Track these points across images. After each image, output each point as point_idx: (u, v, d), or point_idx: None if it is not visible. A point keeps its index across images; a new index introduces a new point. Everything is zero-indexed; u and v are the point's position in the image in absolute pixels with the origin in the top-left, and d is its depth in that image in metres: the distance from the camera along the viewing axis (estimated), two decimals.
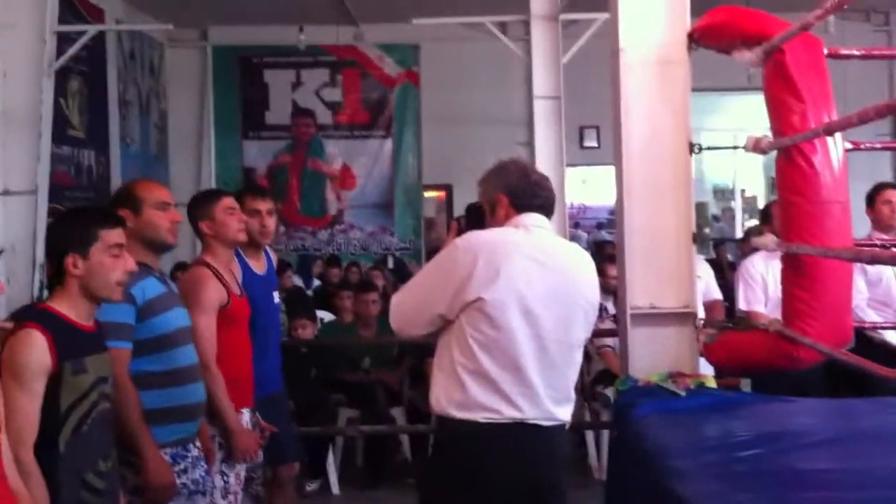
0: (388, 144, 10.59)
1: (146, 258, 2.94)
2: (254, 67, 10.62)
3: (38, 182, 5.35)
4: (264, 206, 3.84)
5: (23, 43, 5.38)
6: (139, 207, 2.98)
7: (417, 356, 5.87)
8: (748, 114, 9.31)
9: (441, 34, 9.18)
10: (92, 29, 7.23)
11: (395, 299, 2.75)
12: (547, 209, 2.74)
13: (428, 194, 10.86)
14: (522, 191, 2.71)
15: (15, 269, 5.18)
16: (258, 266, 3.87)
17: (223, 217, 3.49)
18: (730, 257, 9.02)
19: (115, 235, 2.54)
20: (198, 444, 3.09)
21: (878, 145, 3.87)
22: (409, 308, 2.71)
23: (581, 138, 9.98)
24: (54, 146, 6.20)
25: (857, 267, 4.09)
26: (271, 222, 3.86)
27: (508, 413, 2.54)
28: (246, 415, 3.49)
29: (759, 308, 4.47)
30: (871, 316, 4.44)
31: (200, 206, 3.54)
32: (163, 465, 2.86)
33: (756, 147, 3.29)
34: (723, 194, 12.34)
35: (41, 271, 5.06)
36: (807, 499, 2.20)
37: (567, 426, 2.68)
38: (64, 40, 6.29)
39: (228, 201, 3.55)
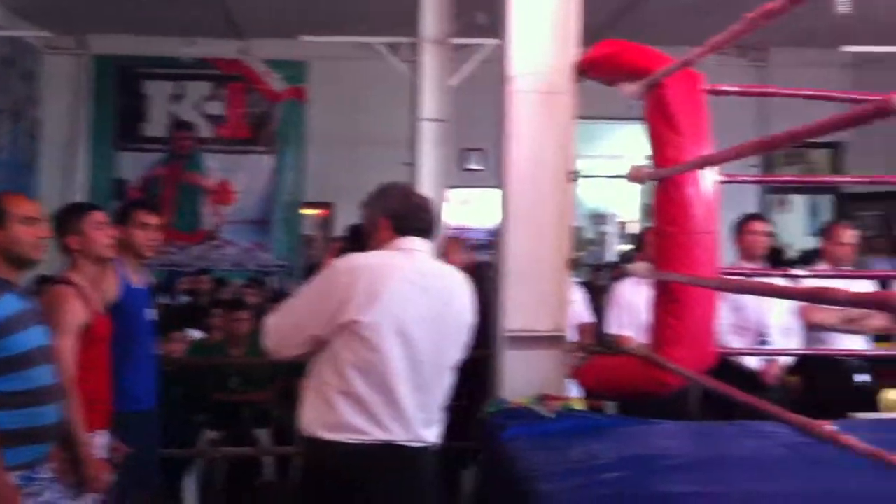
0: (270, 160, 10.44)
1: (7, 273, 2.81)
2: (133, 77, 10.32)
3: None
4: (154, 220, 3.86)
5: None
6: (4, 221, 2.84)
7: (289, 376, 5.77)
8: (626, 142, 9.61)
9: (331, 52, 9.15)
10: None
11: (271, 319, 2.72)
12: (428, 232, 2.77)
13: (308, 212, 10.75)
14: (404, 215, 2.74)
15: None
16: (139, 280, 3.80)
17: (92, 232, 3.37)
18: (604, 282, 9.23)
19: None
20: (51, 465, 2.94)
21: (748, 178, 4.01)
22: (284, 328, 2.69)
23: (465, 160, 10.08)
24: None
25: (722, 293, 4.25)
26: (159, 237, 3.87)
27: (378, 435, 2.55)
28: (100, 437, 3.34)
29: (629, 333, 4.59)
30: (731, 341, 4.60)
31: (68, 219, 3.40)
32: (9, 489, 2.71)
33: (636, 177, 3.38)
34: (599, 219, 12.64)
35: None
36: None
37: (435, 447, 2.69)
38: None
39: (98, 216, 3.44)
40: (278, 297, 7.10)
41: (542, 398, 3.19)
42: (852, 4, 6.60)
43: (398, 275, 2.62)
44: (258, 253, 10.43)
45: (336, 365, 2.56)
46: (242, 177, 10.42)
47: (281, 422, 5.78)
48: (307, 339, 2.62)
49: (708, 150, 3.13)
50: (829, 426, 2.00)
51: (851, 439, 1.90)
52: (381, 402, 2.55)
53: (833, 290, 1.93)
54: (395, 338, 2.55)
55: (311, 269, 6.31)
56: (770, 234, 4.92)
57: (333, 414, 2.55)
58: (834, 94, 3.27)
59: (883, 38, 8.02)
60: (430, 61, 6.87)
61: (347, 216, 9.81)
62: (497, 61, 3.61)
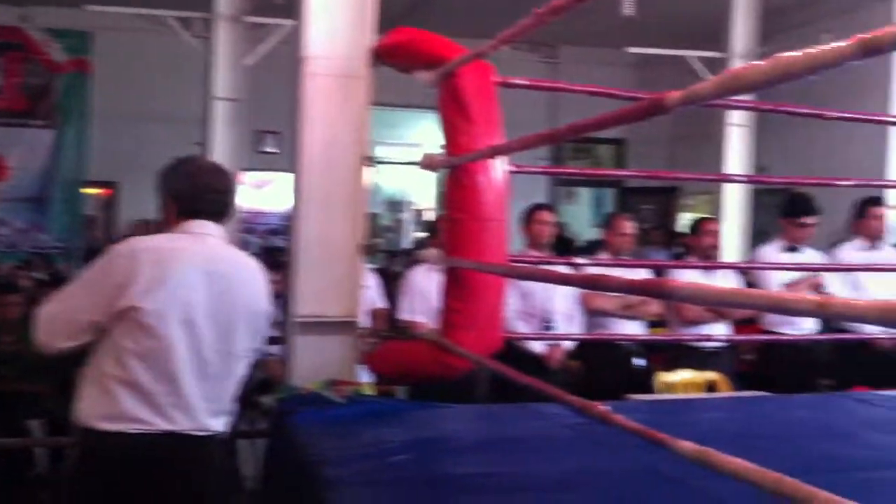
0: (49, 135, 9.82)
1: None
2: None
3: None
4: None
5: None
6: None
7: (66, 366, 5.46)
8: (425, 130, 9.73)
9: (119, 24, 8.69)
10: None
11: (43, 309, 2.54)
12: (220, 215, 2.66)
13: (90, 191, 10.20)
14: (192, 196, 2.61)
15: None
16: None
17: None
18: (399, 268, 9.33)
19: None
20: None
21: (536, 169, 4.14)
22: (57, 317, 2.53)
23: (260, 142, 9.89)
24: None
25: (510, 280, 4.38)
26: None
27: (160, 425, 2.46)
28: None
29: (421, 318, 4.65)
30: (518, 326, 4.76)
31: None
32: None
33: (429, 165, 3.42)
34: (396, 206, 12.75)
35: None
36: (453, 503, 2.29)
37: (222, 436, 2.63)
38: None
39: None
40: (55, 280, 6.71)
41: (333, 384, 3.17)
42: (637, 7, 6.94)
43: (184, 260, 2.51)
44: (34, 234, 9.80)
45: (116, 354, 2.44)
46: (18, 152, 9.72)
47: (55, 413, 5.48)
48: (84, 328, 2.48)
49: (499, 140, 3.20)
50: (602, 406, 2.10)
51: (622, 418, 2.00)
52: (164, 392, 2.46)
53: (609, 277, 2.03)
54: (179, 326, 2.46)
55: (91, 252, 5.99)
56: (556, 224, 5.11)
57: (113, 404, 2.43)
58: (617, 92, 3.42)
59: (665, 41, 8.50)
60: (224, 38, 6.71)
61: (133, 197, 9.44)
62: (294, 42, 3.55)
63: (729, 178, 7.20)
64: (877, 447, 2.99)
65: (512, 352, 4.50)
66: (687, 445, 1.72)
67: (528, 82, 3.41)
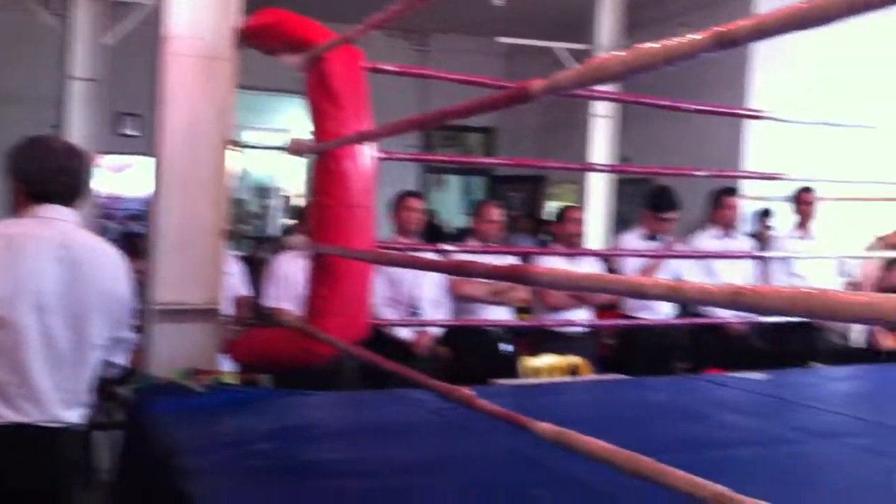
0: None
1: None
2: None
3: None
4: None
5: None
6: None
7: None
8: (295, 115, 9.59)
9: None
10: None
11: None
12: (71, 198, 2.54)
13: None
14: (41, 178, 2.49)
15: None
16: None
17: None
18: (267, 255, 9.17)
19: None
20: None
21: (405, 156, 4.14)
22: None
23: (120, 125, 9.55)
24: None
25: (377, 267, 4.37)
26: None
27: (10, 416, 2.36)
28: None
29: (286, 306, 4.59)
30: (386, 313, 4.76)
31: None
32: None
33: (296, 150, 3.37)
34: (264, 192, 12.53)
35: None
36: (316, 489, 2.27)
37: (77, 428, 2.53)
38: None
39: None
40: None
41: (193, 373, 3.10)
42: None
43: (34, 246, 2.41)
44: None
45: None
46: None
47: None
48: None
49: (367, 125, 3.18)
50: (466, 391, 2.12)
51: (485, 403, 2.02)
52: (13, 383, 2.36)
53: (474, 263, 2.04)
54: (29, 314, 2.36)
55: None
56: (425, 211, 5.12)
57: None
58: (486, 81, 3.44)
59: (534, 32, 8.63)
60: (82, 16, 6.46)
61: None
62: (156, 22, 3.43)
63: (592, 168, 7.38)
64: (728, 427, 3.11)
65: (379, 338, 4.49)
66: (546, 427, 1.75)
67: (397, 69, 3.40)
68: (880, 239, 5.75)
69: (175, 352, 3.25)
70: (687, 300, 1.28)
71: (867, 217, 7.25)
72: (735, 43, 1.20)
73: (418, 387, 2.55)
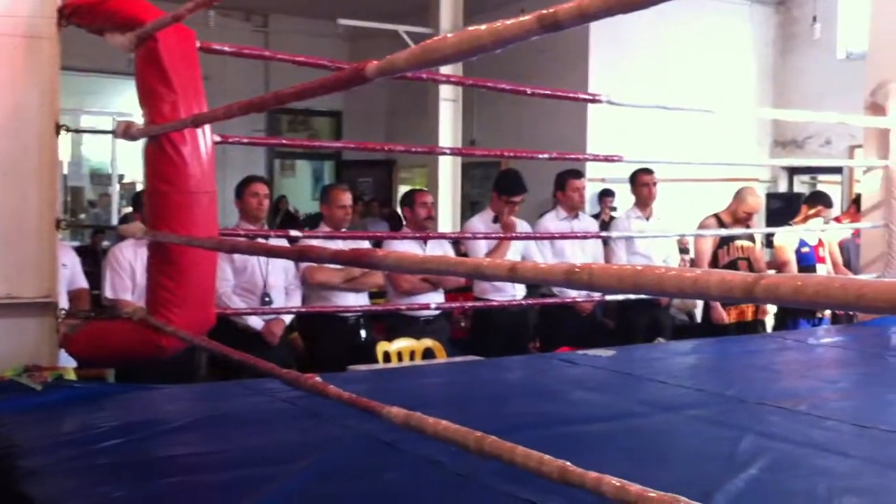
0: None
1: None
2: None
3: None
4: None
5: None
6: None
7: None
8: (131, 98, 9.25)
9: None
10: None
11: None
12: None
13: None
14: None
15: None
16: None
17: None
18: (106, 244, 8.82)
19: None
20: None
21: (245, 140, 4.04)
22: None
23: None
24: None
25: (225, 255, 4.26)
26: None
27: None
28: None
29: (127, 296, 4.43)
30: (236, 302, 4.65)
31: None
32: None
33: (126, 133, 3.22)
34: (101, 179, 12.01)
35: None
36: (167, 485, 2.20)
37: None
38: None
39: None
40: None
41: (30, 369, 2.94)
42: None
43: None
44: None
45: None
46: None
47: None
48: None
49: (202, 108, 3.08)
50: (316, 379, 2.09)
51: (334, 389, 2.00)
52: None
53: (318, 248, 2.01)
54: None
55: None
56: (275, 197, 5.03)
57: None
58: (325, 62, 3.39)
59: (377, 15, 8.60)
60: None
61: None
62: None
63: (434, 151, 7.42)
64: (579, 403, 3.19)
65: (229, 328, 4.40)
66: (395, 411, 1.74)
67: (232, 49, 3.30)
68: (712, 217, 6.01)
69: (9, 348, 3.09)
70: (524, 280, 1.29)
71: (704, 196, 7.59)
72: (558, 26, 1.21)
73: (268, 376, 2.50)
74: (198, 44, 3.17)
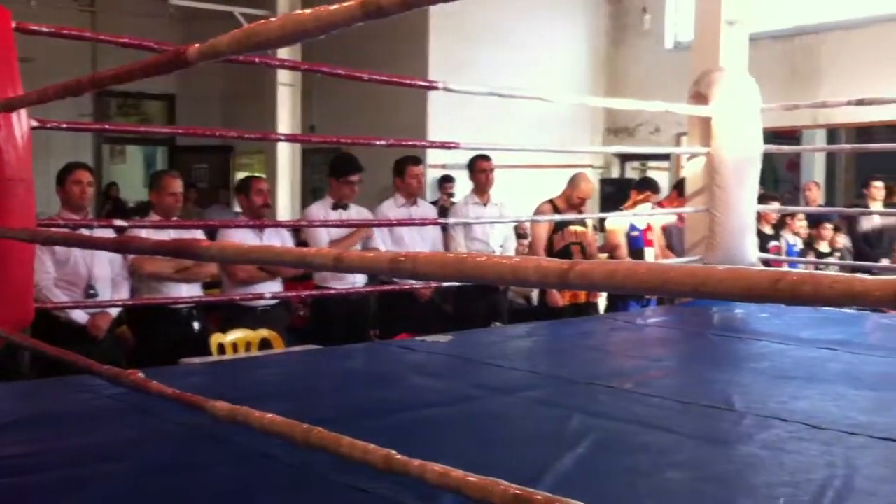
0: None
1: None
2: None
3: None
4: None
5: None
6: None
7: None
8: None
9: None
10: None
11: None
12: None
13: None
14: None
15: None
16: None
17: None
18: None
19: None
20: None
21: (65, 125, 3.84)
22: None
23: None
24: None
25: (45, 247, 4.05)
26: None
27: None
28: None
29: None
30: (57, 295, 4.43)
31: None
32: None
33: None
34: None
35: None
36: None
37: None
38: None
39: None
40: None
41: None
42: None
43: None
44: None
45: None
46: None
47: None
48: None
49: (17, 91, 2.91)
50: (138, 374, 2.01)
51: (157, 385, 1.93)
52: None
53: (140, 238, 1.93)
54: None
55: None
56: (92, 184, 4.78)
57: None
58: (152, 45, 3.26)
59: None
60: None
61: None
62: None
63: (268, 137, 7.30)
64: (418, 389, 3.21)
65: (51, 323, 4.20)
66: (220, 405, 1.70)
67: (50, 30, 3.13)
68: (547, 203, 6.16)
69: None
70: (350, 269, 1.28)
71: (541, 183, 7.76)
72: (382, 12, 1.20)
73: (91, 372, 2.40)
74: (13, 24, 2.99)
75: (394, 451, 1.32)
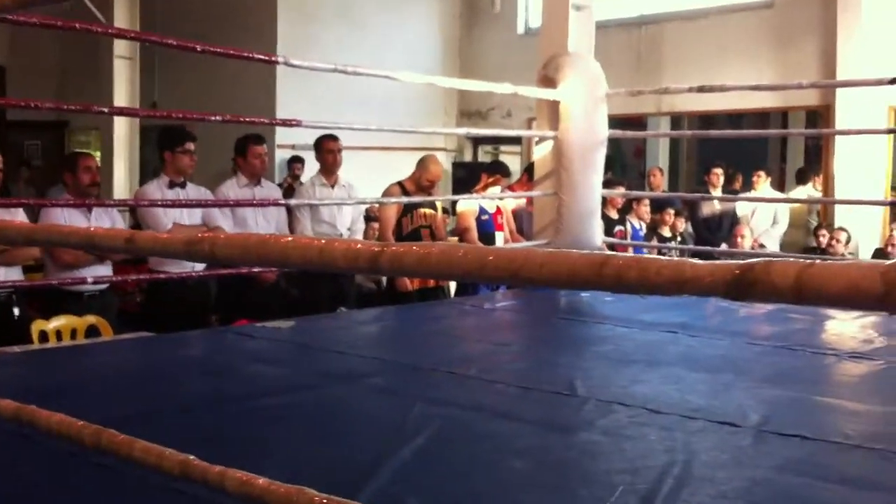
0: None
1: None
2: None
3: None
4: None
5: None
6: None
7: None
8: None
9: None
10: None
11: None
12: None
13: None
14: None
15: None
16: None
17: None
18: None
19: None
20: None
21: None
22: None
23: None
24: None
25: None
26: None
27: None
28: None
29: None
30: None
31: None
32: None
33: None
34: None
35: None
36: None
37: None
38: None
39: None
40: None
41: None
42: None
43: None
44: None
45: None
46: None
47: None
48: None
49: None
50: None
51: None
52: None
53: None
54: None
55: None
56: None
57: None
58: None
59: None
60: None
61: None
62: None
63: (89, 110, 6.85)
64: (255, 378, 3.06)
65: None
66: (5, 404, 1.51)
67: None
68: (396, 185, 6.05)
69: None
70: (142, 252, 1.12)
71: (393, 165, 7.66)
72: None
73: None
74: None
75: (192, 457, 1.18)
